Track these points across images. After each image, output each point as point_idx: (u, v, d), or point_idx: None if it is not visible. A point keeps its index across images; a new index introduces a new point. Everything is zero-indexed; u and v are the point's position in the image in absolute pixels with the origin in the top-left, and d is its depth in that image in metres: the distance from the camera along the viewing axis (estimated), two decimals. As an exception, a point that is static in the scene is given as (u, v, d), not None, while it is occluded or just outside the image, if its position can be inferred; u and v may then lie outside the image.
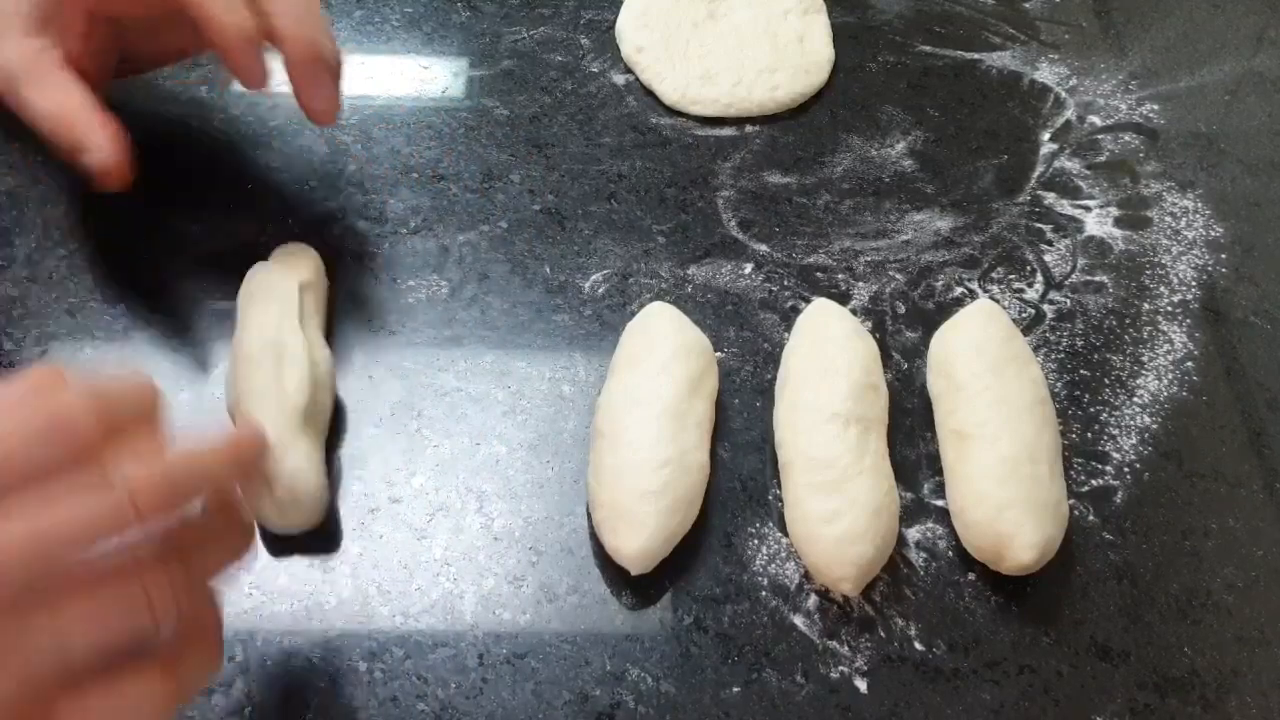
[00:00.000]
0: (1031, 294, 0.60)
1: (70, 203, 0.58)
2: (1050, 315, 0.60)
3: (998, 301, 0.59)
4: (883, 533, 0.48)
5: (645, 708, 0.46)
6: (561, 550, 0.50)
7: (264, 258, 0.54)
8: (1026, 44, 0.72)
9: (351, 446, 0.52)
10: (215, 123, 0.62)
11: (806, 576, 0.50)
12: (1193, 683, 0.49)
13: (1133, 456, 0.55)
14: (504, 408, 0.54)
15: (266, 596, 0.48)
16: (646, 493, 0.48)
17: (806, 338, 0.54)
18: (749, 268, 0.60)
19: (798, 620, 0.49)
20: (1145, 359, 0.58)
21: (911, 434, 0.55)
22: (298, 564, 0.49)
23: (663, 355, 0.52)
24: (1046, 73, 0.71)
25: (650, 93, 0.67)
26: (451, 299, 0.58)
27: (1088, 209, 0.64)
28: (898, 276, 0.60)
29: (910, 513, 0.52)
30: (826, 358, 0.52)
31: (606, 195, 0.62)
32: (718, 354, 0.56)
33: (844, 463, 0.49)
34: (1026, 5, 0.75)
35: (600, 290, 0.58)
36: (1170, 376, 0.58)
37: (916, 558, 0.51)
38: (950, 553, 0.51)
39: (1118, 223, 0.64)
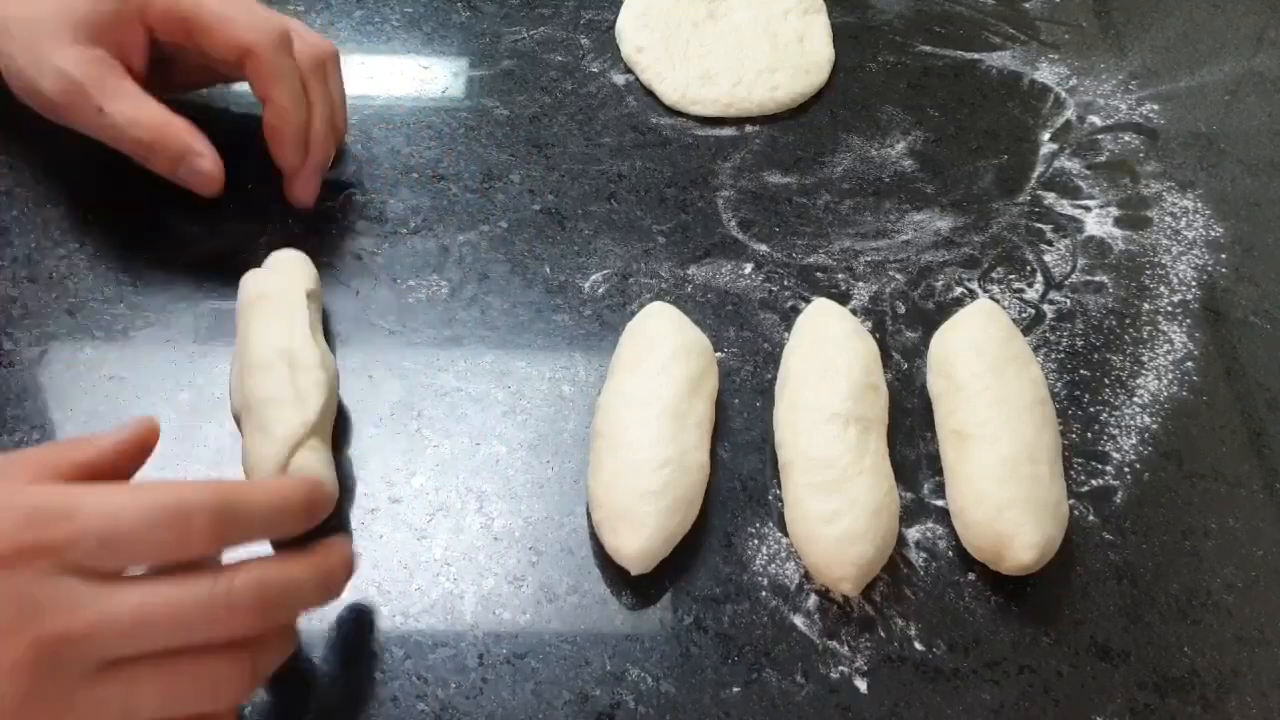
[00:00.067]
0: (1031, 294, 0.60)
1: (70, 203, 0.58)
2: (1050, 315, 0.60)
3: (998, 301, 0.59)
4: (883, 533, 0.48)
5: (645, 708, 0.46)
6: (561, 550, 0.50)
7: (264, 258, 0.54)
8: (1026, 44, 0.72)
9: (352, 446, 0.52)
10: (215, 123, 0.62)
11: (806, 576, 0.50)
12: (1193, 683, 0.48)
13: (1133, 456, 0.55)
14: (504, 408, 0.54)
15: (266, 596, 0.48)
16: (646, 493, 0.48)
17: (806, 338, 0.54)
18: (749, 268, 0.60)
19: (798, 620, 0.49)
20: (1145, 359, 0.58)
21: (911, 434, 0.55)
22: (298, 564, 0.49)
23: (663, 355, 0.52)
24: (1046, 73, 0.71)
25: (650, 93, 0.67)
26: (451, 299, 0.58)
27: (1088, 209, 0.64)
28: (898, 276, 0.60)
29: (910, 513, 0.52)
30: (826, 358, 0.52)
31: (606, 195, 0.62)
32: (718, 354, 0.56)
33: (844, 463, 0.49)
34: (1026, 5, 0.75)
35: (600, 290, 0.58)
36: (1170, 376, 0.58)
37: (916, 558, 0.51)
38: (950, 553, 0.51)
39: (1118, 223, 0.64)
